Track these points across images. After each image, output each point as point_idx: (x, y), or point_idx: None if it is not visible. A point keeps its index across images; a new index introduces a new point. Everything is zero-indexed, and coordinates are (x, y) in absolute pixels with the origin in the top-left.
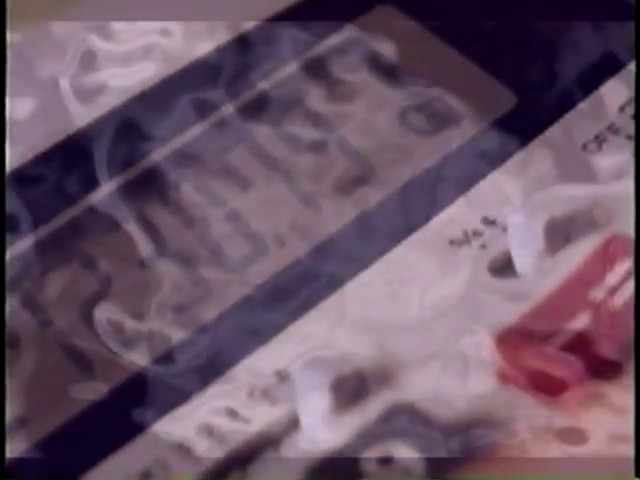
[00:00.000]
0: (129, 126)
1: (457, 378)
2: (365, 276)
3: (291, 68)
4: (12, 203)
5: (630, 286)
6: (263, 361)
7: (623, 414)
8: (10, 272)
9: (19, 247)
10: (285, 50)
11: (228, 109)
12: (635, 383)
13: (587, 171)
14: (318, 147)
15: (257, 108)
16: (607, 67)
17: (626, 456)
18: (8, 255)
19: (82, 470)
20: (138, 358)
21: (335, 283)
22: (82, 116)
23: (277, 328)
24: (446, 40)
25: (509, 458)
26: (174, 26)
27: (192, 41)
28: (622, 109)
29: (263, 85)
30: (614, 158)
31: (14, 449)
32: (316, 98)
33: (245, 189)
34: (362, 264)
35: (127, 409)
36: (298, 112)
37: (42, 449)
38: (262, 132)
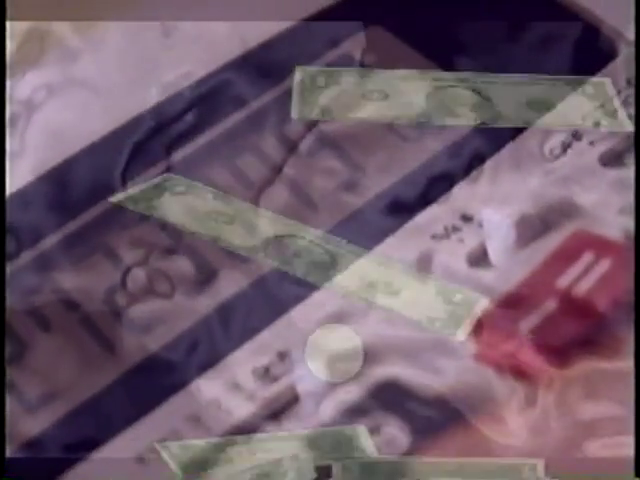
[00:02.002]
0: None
1: (439, 359)
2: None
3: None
4: (41, 203)
5: (592, 276)
6: (266, 342)
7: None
8: (42, 263)
9: (48, 241)
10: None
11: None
12: (635, 382)
13: (553, 173)
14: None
15: (262, 117)
16: (574, 78)
17: (626, 456)
18: (39, 248)
19: (103, 441)
20: (154, 340)
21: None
22: (114, 114)
23: (277, 314)
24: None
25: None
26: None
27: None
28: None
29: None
30: (578, 161)
31: (39, 424)
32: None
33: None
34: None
35: (144, 387)
36: (296, 121)
37: (65, 425)
38: (265, 138)
